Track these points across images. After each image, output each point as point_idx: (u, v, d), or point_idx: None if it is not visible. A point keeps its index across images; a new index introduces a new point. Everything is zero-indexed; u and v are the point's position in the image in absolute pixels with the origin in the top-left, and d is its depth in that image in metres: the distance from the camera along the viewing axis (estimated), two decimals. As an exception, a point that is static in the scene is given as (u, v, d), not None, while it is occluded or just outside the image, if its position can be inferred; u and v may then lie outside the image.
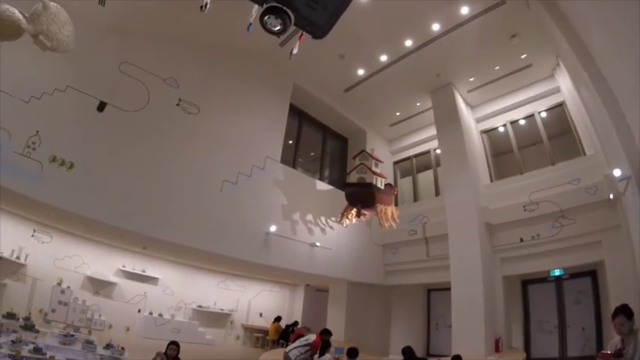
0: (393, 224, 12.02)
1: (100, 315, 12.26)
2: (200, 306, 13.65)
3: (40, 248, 11.80)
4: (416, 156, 15.55)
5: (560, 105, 11.61)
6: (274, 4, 3.73)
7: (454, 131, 12.27)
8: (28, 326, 6.84)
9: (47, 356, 5.25)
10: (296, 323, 13.31)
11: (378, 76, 12.39)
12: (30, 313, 9.83)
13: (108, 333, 11.31)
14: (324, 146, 14.80)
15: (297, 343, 7.64)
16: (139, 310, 12.93)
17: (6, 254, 11.14)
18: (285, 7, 3.73)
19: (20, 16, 6.34)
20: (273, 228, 10.63)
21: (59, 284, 11.96)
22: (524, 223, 10.70)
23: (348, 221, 11.79)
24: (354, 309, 13.21)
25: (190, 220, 9.28)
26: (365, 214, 11.80)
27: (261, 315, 14.70)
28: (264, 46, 10.25)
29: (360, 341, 11.00)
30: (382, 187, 11.74)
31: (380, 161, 12.16)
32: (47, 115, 8.15)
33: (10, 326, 6.32)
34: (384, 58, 11.70)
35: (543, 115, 12.14)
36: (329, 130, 14.96)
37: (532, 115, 12.31)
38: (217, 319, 13.91)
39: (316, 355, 7.45)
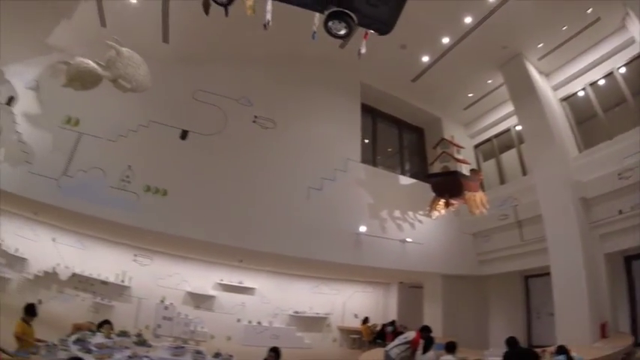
0: (484, 210, 11.51)
1: (202, 327, 12.83)
2: (296, 311, 13.82)
3: (141, 270, 12.99)
4: (496, 136, 14.72)
5: (639, 57, 10.48)
6: (335, 9, 3.70)
7: (532, 104, 11.50)
8: (141, 342, 7.16)
9: None
10: (393, 322, 13.12)
11: (443, 60, 11.92)
12: (140, 330, 10.48)
13: (210, 343, 11.72)
14: (400, 140, 14.55)
15: (396, 341, 7.53)
16: (239, 320, 13.36)
17: (111, 279, 12.53)
18: (346, 10, 3.72)
19: (95, 66, 6.87)
20: (362, 228, 10.56)
21: (162, 301, 12.85)
22: (621, 192, 9.68)
23: (437, 213, 11.47)
24: (450, 303, 12.81)
25: (282, 230, 9.49)
26: (453, 204, 11.43)
27: (356, 316, 14.64)
28: (326, 52, 10.30)
29: (458, 336, 10.60)
30: (467, 174, 11.33)
31: (461, 147, 11.76)
32: (136, 150, 8.97)
33: (123, 343, 6.61)
34: (446, 40, 11.24)
35: (622, 70, 10.97)
36: (403, 123, 14.69)
37: (611, 73, 11.18)
38: (314, 323, 14.03)
39: (419, 352, 7.29)
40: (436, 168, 11.30)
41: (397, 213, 11.75)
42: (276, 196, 9.70)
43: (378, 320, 13.80)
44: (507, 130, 14.30)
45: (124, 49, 6.62)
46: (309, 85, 11.47)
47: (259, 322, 13.38)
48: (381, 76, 12.66)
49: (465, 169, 11.24)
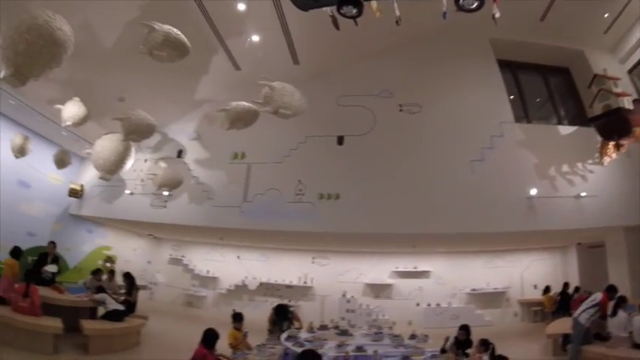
0: (658, 143, 10.06)
1: (383, 315, 13.52)
2: (474, 289, 13.57)
3: (321, 270, 14.55)
4: (650, 51, 12.53)
5: None
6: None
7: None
8: (343, 332, 7.71)
9: (369, 351, 5.80)
10: (577, 289, 12.13)
11: (565, -13, 10.50)
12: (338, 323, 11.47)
13: (393, 329, 12.27)
14: (547, 87, 13.24)
15: (583, 305, 7.11)
16: (418, 304, 13.67)
17: (295, 282, 14.40)
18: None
19: (252, 105, 7.87)
20: (533, 191, 9.96)
21: (343, 296, 13.95)
22: None
23: (608, 159, 10.30)
24: (638, 258, 11.37)
25: (451, 208, 9.34)
26: (623, 145, 10.21)
27: (535, 287, 13.77)
28: (445, 23, 9.98)
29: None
30: (631, 107, 10.01)
31: (617, 79, 10.33)
32: (301, 165, 10.01)
33: (324, 336, 7.23)
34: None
35: None
36: (545, 68, 13.32)
37: None
38: (492, 299, 13.61)
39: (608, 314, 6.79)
40: (596, 109, 10.12)
41: (565, 167, 10.78)
42: (440, 176, 9.63)
43: (559, 288, 12.90)
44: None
45: (274, 83, 7.45)
46: (441, 60, 11.14)
47: (438, 304, 13.46)
48: (508, 25, 11.59)
49: (627, 103, 9.96)
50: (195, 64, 8.63)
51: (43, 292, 7.97)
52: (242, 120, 8.08)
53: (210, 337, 5.48)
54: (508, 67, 12.36)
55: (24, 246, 8.72)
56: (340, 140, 10.04)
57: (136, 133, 8.60)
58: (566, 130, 11.54)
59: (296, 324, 8.24)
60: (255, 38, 9.69)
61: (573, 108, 12.66)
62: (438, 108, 10.48)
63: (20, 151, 10.14)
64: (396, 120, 10.30)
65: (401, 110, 10.34)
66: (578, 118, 12.04)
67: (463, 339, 6.74)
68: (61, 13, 5.48)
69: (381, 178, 9.62)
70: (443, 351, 6.55)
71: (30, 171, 12.00)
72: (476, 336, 6.70)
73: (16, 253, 8.40)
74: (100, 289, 8.72)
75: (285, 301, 12.51)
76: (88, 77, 9.28)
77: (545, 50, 12.60)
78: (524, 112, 11.86)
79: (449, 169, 9.69)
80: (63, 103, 8.95)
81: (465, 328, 6.83)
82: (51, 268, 8.57)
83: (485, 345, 5.98)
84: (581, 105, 12.21)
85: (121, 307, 8.52)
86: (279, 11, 8.97)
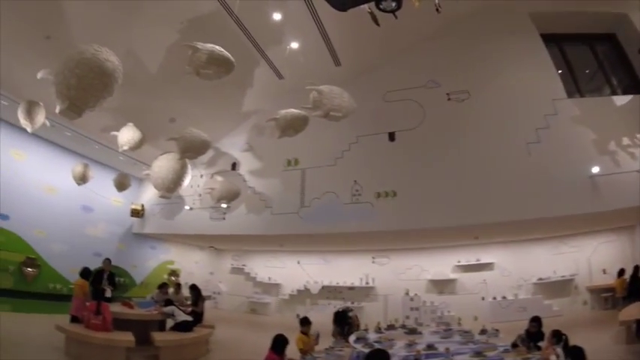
0: None
1: (448, 311, 13.17)
2: (540, 278, 12.88)
3: (382, 270, 14.42)
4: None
5: None
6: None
7: None
8: (411, 330, 7.60)
9: (441, 349, 5.63)
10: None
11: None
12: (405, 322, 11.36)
13: (462, 325, 11.96)
14: (595, 56, 12.46)
15: None
16: (483, 298, 13.22)
17: (356, 283, 14.32)
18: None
19: (300, 111, 7.94)
20: (595, 169, 9.41)
21: (406, 294, 13.71)
22: None
23: (671, 128, 9.62)
24: None
25: (510, 194, 8.95)
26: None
27: (604, 272, 13.01)
28: (482, 3, 9.77)
29: None
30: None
31: None
32: (355, 166, 9.97)
33: (391, 336, 7.12)
34: None
35: None
36: (590, 37, 12.52)
37: None
38: (560, 287, 12.82)
39: None
40: (651, 74, 9.52)
41: (625, 140, 10.10)
42: (496, 163, 9.28)
43: (629, 272, 12.02)
44: None
45: (322, 87, 7.48)
46: (483, 42, 10.75)
47: (504, 297, 12.92)
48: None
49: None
50: (238, 78, 8.84)
51: (115, 308, 8.44)
52: (293, 127, 8.14)
53: (279, 343, 5.55)
54: (552, 40, 11.77)
55: (92, 266, 9.18)
56: (391, 136, 9.92)
57: (192, 150, 8.86)
58: (620, 100, 10.81)
59: (355, 329, 8.29)
60: (295, 45, 9.81)
61: (625, 76, 11.91)
62: (486, 92, 10.15)
63: (82, 179, 10.76)
64: (445, 109, 10.06)
65: (449, 99, 10.09)
66: (632, 86, 11.32)
67: (534, 331, 6.52)
68: (105, 46, 5.75)
69: (437, 170, 9.41)
70: (514, 345, 6.34)
71: (92, 196, 12.86)
72: (546, 328, 6.43)
73: (85, 273, 8.90)
74: (168, 302, 9.04)
75: (347, 304, 12.63)
76: (138, 103, 9.73)
77: (587, 18, 11.89)
78: (575, 86, 11.26)
79: (504, 155, 9.32)
80: (117, 129, 9.39)
81: (536, 320, 6.61)
82: (107, 293, 9.03)
83: (558, 336, 5.68)
84: (633, 72, 11.49)
85: (189, 318, 8.81)
86: (314, 15, 9.04)
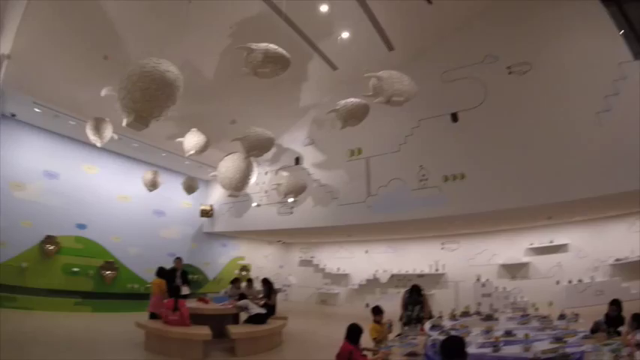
0: None
1: (521, 297, 12.64)
2: (617, 259, 11.94)
3: (451, 256, 14.27)
4: None
5: None
6: None
7: None
8: (488, 317, 7.33)
9: (519, 335, 5.38)
10: None
11: None
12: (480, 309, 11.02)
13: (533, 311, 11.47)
14: None
15: None
16: (557, 282, 12.59)
17: (426, 270, 14.20)
18: None
19: (362, 101, 7.85)
20: (682, 134, 8.48)
21: (478, 280, 13.35)
22: None
23: None
24: None
25: (583, 169, 8.26)
26: None
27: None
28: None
29: None
30: None
31: None
32: (419, 150, 9.73)
33: (467, 323, 6.89)
34: None
35: None
36: None
37: None
38: (637, 268, 11.76)
39: None
40: None
41: None
42: (565, 137, 8.59)
43: None
44: None
45: (380, 73, 7.38)
46: (539, 10, 9.91)
47: (580, 280, 12.19)
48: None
49: None
50: (293, 74, 8.82)
51: (191, 304, 8.93)
52: (354, 116, 8.11)
53: (354, 332, 5.56)
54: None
55: (167, 266, 9.71)
56: (454, 117, 9.57)
57: (257, 148, 9.04)
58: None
59: (425, 310, 8.15)
60: (345, 35, 9.72)
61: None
62: (548, 62, 9.42)
63: (152, 185, 11.41)
64: (507, 84, 9.50)
65: (510, 72, 9.53)
66: None
67: (614, 315, 6.19)
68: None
69: (504, 148, 8.97)
70: (593, 331, 6.00)
71: (163, 201, 13.65)
72: (625, 312, 6.05)
73: (161, 272, 9.40)
74: (242, 296, 9.40)
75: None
76: (198, 109, 10.07)
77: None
78: (640, 46, 10.25)
79: (573, 127, 8.60)
80: (182, 136, 9.78)
81: (615, 303, 6.28)
82: (184, 290, 9.43)
83: (639, 321, 5.29)
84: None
85: (262, 311, 9.07)
86: (361, 1, 8.90)
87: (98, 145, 8.64)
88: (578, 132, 8.41)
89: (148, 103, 5.67)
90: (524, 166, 8.61)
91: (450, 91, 9.82)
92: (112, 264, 12.05)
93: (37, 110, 9.71)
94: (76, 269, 11.21)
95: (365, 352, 5.75)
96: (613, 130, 8.22)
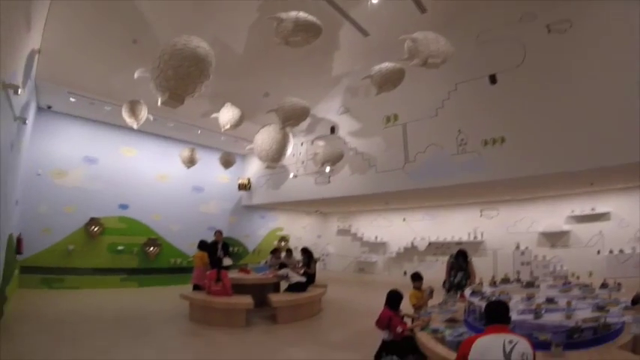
0: None
1: (561, 266, 12.40)
2: None
3: (490, 223, 14.05)
4: None
5: None
6: None
7: None
8: (529, 284, 7.13)
9: (561, 303, 5.21)
10: None
11: None
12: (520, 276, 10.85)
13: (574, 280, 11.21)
14: None
15: None
16: (598, 252, 12.23)
17: (464, 238, 14.10)
18: None
19: (397, 65, 7.60)
20: None
21: (517, 248, 13.15)
22: None
23: None
24: None
25: (628, 134, 7.60)
26: None
27: None
28: None
29: None
30: None
31: None
32: (457, 114, 9.36)
33: (506, 290, 6.75)
34: None
35: None
36: None
37: None
38: None
39: None
40: None
41: None
42: (608, 99, 7.96)
43: None
44: None
45: (415, 34, 7.12)
46: None
47: (621, 250, 11.78)
48: None
49: None
50: (324, 43, 8.66)
51: (233, 274, 9.27)
52: (389, 81, 7.91)
53: (394, 298, 5.60)
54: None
55: (209, 240, 10.01)
56: (493, 79, 9.15)
57: (292, 118, 9.03)
58: None
59: (471, 278, 8.08)
60: (375, 0, 9.40)
61: None
62: (590, 20, 8.64)
63: (190, 161, 11.70)
64: (546, 44, 8.93)
65: (549, 31, 8.97)
66: None
67: None
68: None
69: (545, 111, 8.53)
70: (634, 302, 5.80)
71: (201, 177, 14.10)
72: None
73: (202, 245, 9.68)
74: (282, 265, 9.63)
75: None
76: (231, 85, 10.09)
77: None
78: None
79: (617, 89, 7.94)
80: (216, 112, 9.87)
81: None
82: (226, 262, 9.60)
83: None
84: None
85: (302, 279, 9.29)
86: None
87: (134, 127, 8.86)
88: (622, 94, 7.84)
89: (182, 80, 5.77)
90: (565, 130, 8.19)
91: (488, 53, 9.34)
92: (154, 241, 12.64)
93: (72, 100, 10.09)
94: (120, 248, 11.87)
95: (405, 319, 5.80)
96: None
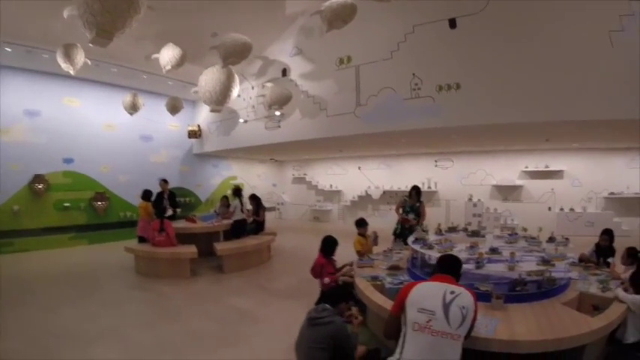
0: None
1: (512, 219, 12.79)
2: (612, 193, 11.98)
3: (444, 174, 14.27)
4: None
5: None
6: None
7: None
8: (473, 233, 7.09)
9: (505, 254, 5.17)
10: None
11: None
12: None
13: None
14: None
15: None
16: (549, 208, 12.70)
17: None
18: None
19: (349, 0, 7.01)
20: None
21: (470, 199, 13.34)
22: None
23: None
24: None
25: (589, 90, 7.41)
26: None
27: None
28: None
29: None
30: None
31: None
32: (413, 58, 8.83)
33: (452, 238, 6.72)
34: None
35: None
36: None
37: None
38: (633, 204, 11.82)
39: None
40: None
41: None
42: (572, 54, 7.63)
43: None
44: None
45: None
46: None
47: (572, 209, 12.34)
48: None
49: None
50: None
51: (180, 224, 9.08)
52: (340, 17, 7.35)
53: (328, 245, 5.44)
54: None
55: (156, 190, 9.80)
56: (452, 23, 8.63)
57: (234, 55, 8.38)
58: None
59: (421, 219, 8.17)
60: None
61: None
62: None
63: (133, 107, 10.93)
64: None
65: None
66: None
67: (605, 246, 6.09)
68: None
69: (505, 60, 8.15)
70: (581, 260, 5.95)
71: (149, 125, 13.42)
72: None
73: (146, 195, 9.45)
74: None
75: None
76: (177, 25, 9.28)
77: None
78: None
79: (583, 43, 7.58)
80: (158, 52, 9.09)
81: (607, 233, 6.16)
82: (169, 212, 9.55)
83: (633, 256, 5.11)
84: None
85: (243, 216, 9.37)
86: None
87: (72, 72, 8.00)
88: (587, 50, 7.55)
89: (109, 14, 5.23)
90: (524, 80, 7.87)
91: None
92: (102, 194, 12.07)
93: (8, 50, 9.17)
94: (67, 204, 11.31)
95: (342, 266, 5.70)
96: (624, 52, 7.24)
